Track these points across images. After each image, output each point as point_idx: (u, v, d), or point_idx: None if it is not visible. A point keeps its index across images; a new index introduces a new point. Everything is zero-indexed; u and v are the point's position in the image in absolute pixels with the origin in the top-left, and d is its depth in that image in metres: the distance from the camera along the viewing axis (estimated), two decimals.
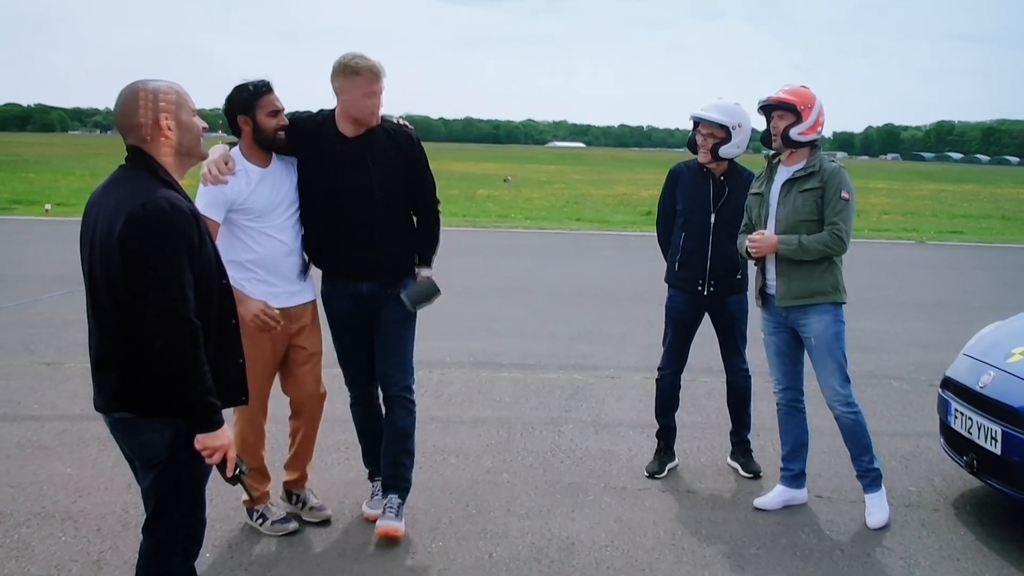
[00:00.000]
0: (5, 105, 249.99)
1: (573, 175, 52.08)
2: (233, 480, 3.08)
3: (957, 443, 5.16)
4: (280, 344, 4.68)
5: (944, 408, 5.34)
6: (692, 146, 5.56)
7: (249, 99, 4.47)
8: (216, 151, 4.44)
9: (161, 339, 2.80)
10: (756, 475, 5.61)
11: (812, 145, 4.99)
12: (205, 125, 3.16)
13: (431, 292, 4.80)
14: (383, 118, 4.65)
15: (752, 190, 5.21)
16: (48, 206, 22.22)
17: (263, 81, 4.50)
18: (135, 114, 3.00)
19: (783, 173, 5.04)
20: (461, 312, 10.42)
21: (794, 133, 4.90)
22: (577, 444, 6.14)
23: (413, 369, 4.87)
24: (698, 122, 5.45)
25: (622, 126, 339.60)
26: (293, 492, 4.93)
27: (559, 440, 6.21)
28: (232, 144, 4.61)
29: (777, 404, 5.27)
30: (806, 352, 5.11)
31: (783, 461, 5.28)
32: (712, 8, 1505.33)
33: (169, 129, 3.02)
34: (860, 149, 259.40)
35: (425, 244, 4.86)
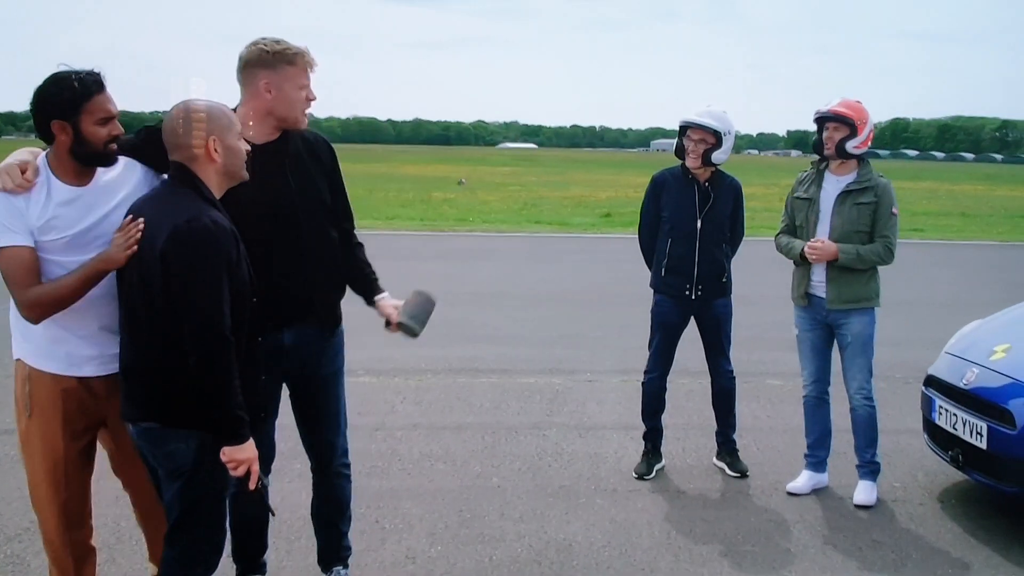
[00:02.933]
0: None
1: (527, 177, 52.27)
2: (255, 493, 3.18)
3: (942, 439, 5.38)
4: (80, 431, 3.51)
5: (928, 405, 5.56)
6: (680, 152, 5.72)
7: (73, 100, 3.26)
8: (17, 156, 3.37)
9: (197, 354, 2.93)
10: (743, 474, 5.79)
11: (861, 158, 5.42)
12: (248, 148, 3.21)
13: (430, 305, 4.22)
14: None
15: (797, 194, 5.59)
16: None
17: (92, 74, 3.29)
18: (186, 135, 3.10)
19: (833, 182, 5.46)
20: (434, 318, 10.52)
21: (849, 146, 5.36)
22: (563, 448, 6.27)
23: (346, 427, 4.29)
24: (687, 128, 5.62)
25: (574, 126, 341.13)
26: None
27: (544, 444, 6.34)
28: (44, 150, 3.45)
29: (805, 397, 5.70)
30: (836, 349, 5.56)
31: (809, 449, 5.70)
32: (667, 9, 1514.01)
33: (216, 151, 3.12)
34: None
35: (364, 272, 4.19)
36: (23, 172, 3.28)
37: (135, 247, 3.12)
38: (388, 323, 4.10)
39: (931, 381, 5.62)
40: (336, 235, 4.02)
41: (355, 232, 4.19)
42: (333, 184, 4.01)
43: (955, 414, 5.19)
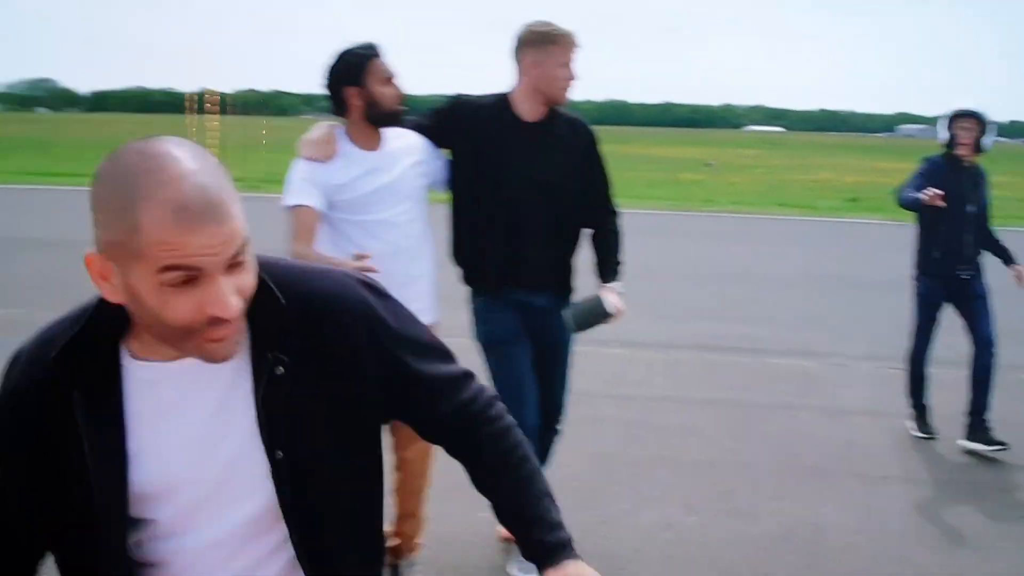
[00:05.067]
0: (247, 91, 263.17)
1: (773, 160, 50.81)
2: None
3: None
4: None
5: None
6: (951, 141, 5.68)
7: (359, 65, 3.54)
8: (318, 129, 3.65)
9: None
10: (1002, 445, 5.55)
11: None
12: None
13: (597, 316, 3.88)
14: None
15: None
16: None
17: (368, 44, 3.58)
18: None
19: None
20: (686, 296, 10.46)
21: None
22: (813, 430, 6.07)
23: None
24: (957, 116, 5.64)
25: (821, 110, 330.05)
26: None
27: (795, 425, 6.15)
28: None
29: None
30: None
31: None
32: None
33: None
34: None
35: (607, 255, 4.07)
36: (327, 143, 3.57)
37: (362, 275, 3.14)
38: None
39: None
40: (587, 213, 4.04)
41: (615, 218, 4.12)
42: (592, 166, 4.03)
43: None
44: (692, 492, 4.98)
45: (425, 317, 3.56)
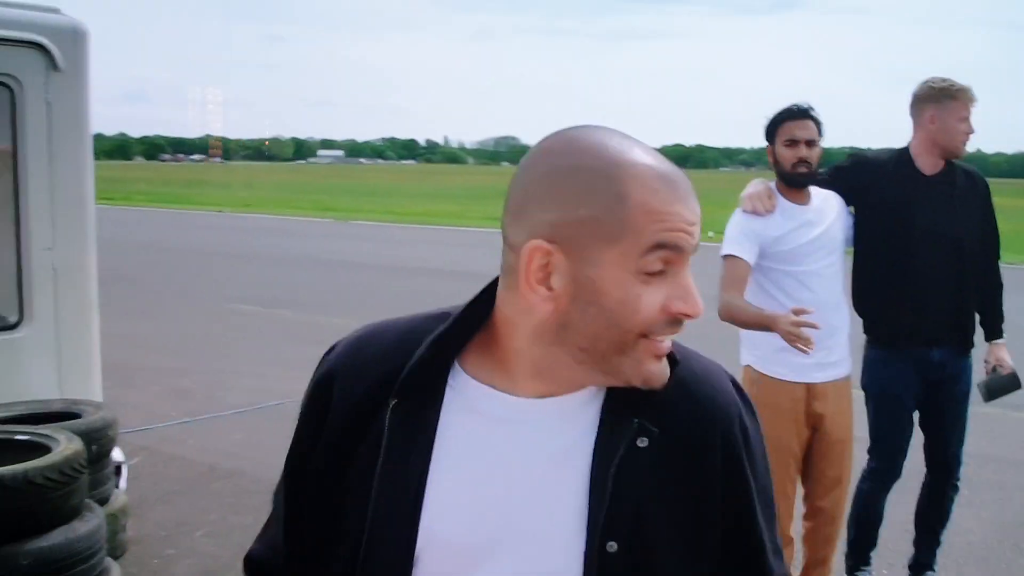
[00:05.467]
0: (674, 145, 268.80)
1: None
2: None
3: None
4: (803, 428, 3.57)
5: None
6: None
7: (772, 125, 3.51)
8: (755, 184, 3.59)
9: None
10: None
11: None
12: None
13: (1015, 385, 3.78)
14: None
15: None
16: (711, 233, 23.42)
17: (794, 105, 3.49)
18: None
19: None
20: None
21: None
22: None
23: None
24: None
25: None
26: None
27: None
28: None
29: None
30: None
31: None
32: None
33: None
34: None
35: (995, 310, 3.84)
36: (769, 197, 3.51)
37: (799, 347, 3.08)
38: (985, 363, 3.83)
39: None
40: (984, 266, 3.79)
41: (998, 268, 3.87)
42: (986, 217, 3.79)
43: None
44: None
45: (842, 369, 3.58)
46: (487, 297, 1.10)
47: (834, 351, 3.55)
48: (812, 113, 3.50)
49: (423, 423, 1.07)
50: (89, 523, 3.08)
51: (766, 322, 3.27)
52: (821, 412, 3.55)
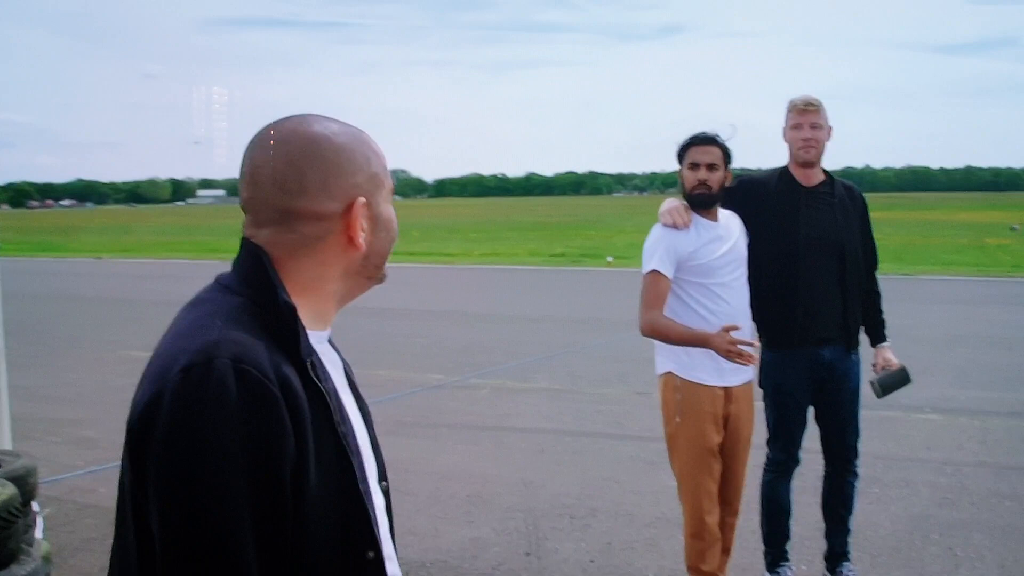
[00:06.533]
0: (566, 173, 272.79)
1: None
2: None
3: None
4: (721, 429, 3.89)
5: None
6: None
7: (679, 149, 3.85)
8: (671, 201, 3.90)
9: None
10: None
11: None
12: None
13: (904, 380, 4.20)
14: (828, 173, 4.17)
15: None
16: (610, 258, 23.98)
17: (701, 132, 3.82)
18: (299, 189, 1.45)
19: None
20: (996, 362, 9.90)
21: None
22: None
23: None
24: None
25: None
26: None
27: None
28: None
29: None
30: None
31: None
32: None
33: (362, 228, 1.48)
34: None
35: (876, 317, 4.32)
36: (686, 211, 3.83)
37: (738, 361, 3.49)
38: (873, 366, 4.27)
39: None
40: (864, 272, 4.22)
41: (876, 278, 4.34)
42: (864, 229, 4.23)
43: None
44: (1007, 556, 4.77)
45: (750, 372, 3.91)
46: (252, 275, 1.34)
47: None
48: (718, 140, 3.83)
49: (326, 375, 1.34)
50: (27, 566, 3.13)
51: (699, 340, 3.63)
52: (733, 413, 3.91)
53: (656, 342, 3.91)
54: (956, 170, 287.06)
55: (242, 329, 1.25)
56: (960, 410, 7.70)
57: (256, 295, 1.31)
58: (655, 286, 3.78)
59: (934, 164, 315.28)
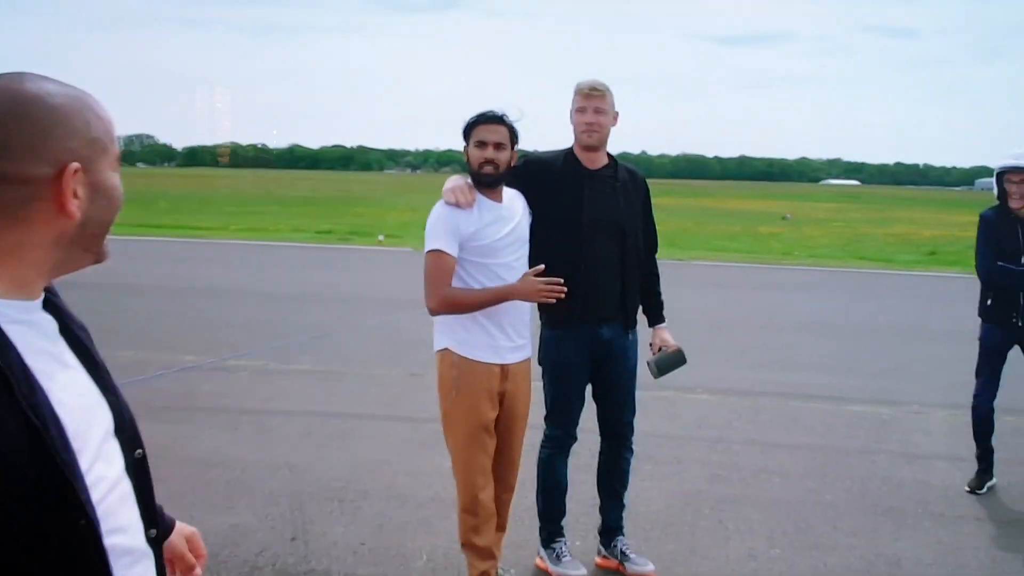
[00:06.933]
0: (333, 147, 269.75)
1: (851, 213, 50.56)
2: None
3: None
4: (496, 406, 4.10)
5: None
6: (1002, 195, 5.71)
7: (465, 127, 4.01)
8: (455, 179, 4.07)
9: None
10: None
11: None
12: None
13: (680, 361, 4.58)
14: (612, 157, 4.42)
15: None
16: (381, 237, 23.98)
17: (489, 111, 4.00)
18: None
19: None
20: (767, 345, 10.68)
21: None
22: (891, 473, 6.26)
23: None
24: (1006, 172, 5.65)
25: (897, 164, 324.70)
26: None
27: (873, 468, 6.35)
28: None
29: None
30: None
31: None
32: (990, 48, 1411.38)
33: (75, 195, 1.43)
34: None
35: (655, 299, 4.65)
36: (470, 190, 3.99)
37: (550, 300, 3.89)
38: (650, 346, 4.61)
39: None
40: (644, 254, 4.53)
41: (655, 260, 4.66)
42: (646, 213, 4.54)
43: None
44: (775, 527, 5.21)
45: (527, 351, 4.18)
46: None
47: (523, 334, 4.12)
48: (506, 120, 4.00)
49: (4, 345, 1.29)
50: None
51: (503, 295, 3.92)
52: (509, 391, 4.10)
53: (436, 319, 4.04)
54: (731, 159, 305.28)
55: None
56: (731, 390, 8.28)
57: None
58: (440, 264, 3.92)
59: (709, 153, 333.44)
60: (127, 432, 1.50)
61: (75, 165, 1.35)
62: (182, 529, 1.85)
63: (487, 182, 4.00)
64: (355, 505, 5.31)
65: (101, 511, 1.36)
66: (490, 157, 3.95)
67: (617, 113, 4.38)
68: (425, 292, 3.95)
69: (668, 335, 4.59)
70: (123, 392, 1.53)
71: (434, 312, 3.98)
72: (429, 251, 3.95)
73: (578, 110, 4.28)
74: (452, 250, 3.92)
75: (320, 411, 7.34)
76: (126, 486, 1.46)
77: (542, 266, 3.93)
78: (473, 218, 3.95)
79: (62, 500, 1.30)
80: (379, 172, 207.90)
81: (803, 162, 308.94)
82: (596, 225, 4.27)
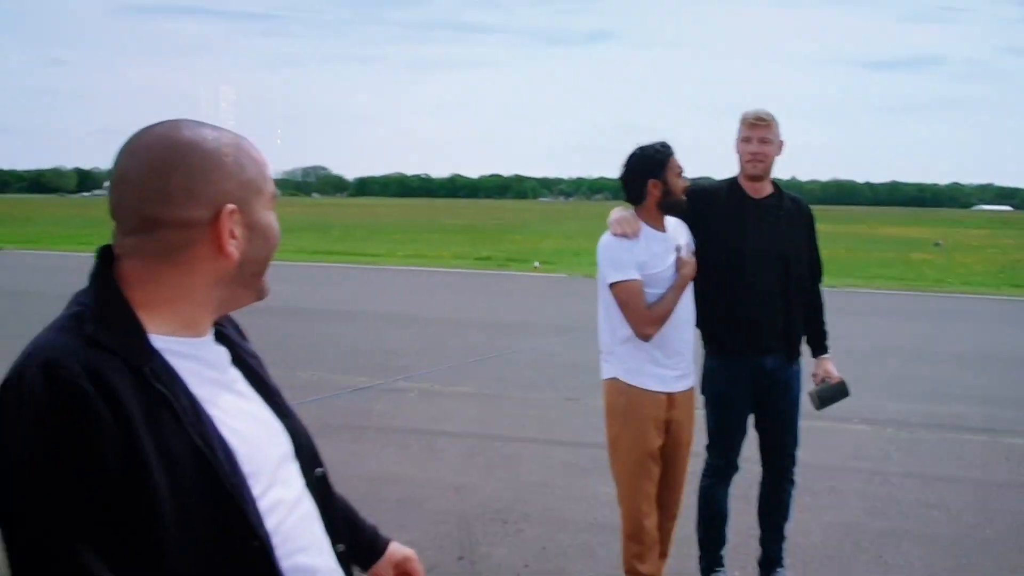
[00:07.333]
0: (491, 176, 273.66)
1: (1004, 239, 48.03)
2: None
3: None
4: (662, 433, 4.04)
5: None
6: None
7: (661, 161, 3.95)
8: (619, 211, 4.02)
9: None
10: None
11: None
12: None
13: (842, 393, 4.41)
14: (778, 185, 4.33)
15: None
16: (536, 264, 24.13)
17: (665, 144, 3.99)
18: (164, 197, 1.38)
19: None
20: (921, 375, 10.25)
21: None
22: None
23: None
24: None
25: None
26: None
27: None
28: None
29: None
30: None
31: None
32: None
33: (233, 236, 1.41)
34: None
35: (818, 328, 4.48)
36: (635, 221, 3.96)
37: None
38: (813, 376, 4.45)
39: None
40: (808, 283, 4.38)
41: (820, 289, 4.51)
42: (810, 241, 4.40)
43: None
44: (935, 563, 4.98)
45: (692, 379, 4.12)
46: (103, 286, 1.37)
47: (688, 363, 4.06)
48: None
49: (171, 379, 1.31)
50: None
51: (681, 285, 3.96)
52: (675, 418, 4.05)
53: (604, 348, 4.06)
54: (882, 185, 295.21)
55: (65, 336, 1.30)
56: (887, 421, 7.96)
57: (92, 303, 1.35)
58: (631, 290, 3.90)
59: (860, 178, 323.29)
60: (305, 452, 1.52)
61: (231, 207, 1.36)
62: (393, 554, 1.80)
63: (682, 209, 4.04)
64: (518, 527, 5.33)
65: (281, 534, 1.38)
66: (687, 185, 4.02)
67: (782, 142, 4.28)
68: (631, 322, 3.91)
69: (832, 366, 4.43)
70: (302, 411, 1.57)
71: (650, 336, 3.91)
72: (613, 283, 3.92)
73: (743, 139, 4.19)
74: (634, 275, 3.88)
75: (483, 433, 7.41)
76: (307, 506, 1.48)
77: (684, 248, 3.98)
78: (642, 248, 3.93)
79: (233, 522, 1.32)
80: (534, 200, 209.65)
81: (954, 187, 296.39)
82: (760, 255, 4.18)
